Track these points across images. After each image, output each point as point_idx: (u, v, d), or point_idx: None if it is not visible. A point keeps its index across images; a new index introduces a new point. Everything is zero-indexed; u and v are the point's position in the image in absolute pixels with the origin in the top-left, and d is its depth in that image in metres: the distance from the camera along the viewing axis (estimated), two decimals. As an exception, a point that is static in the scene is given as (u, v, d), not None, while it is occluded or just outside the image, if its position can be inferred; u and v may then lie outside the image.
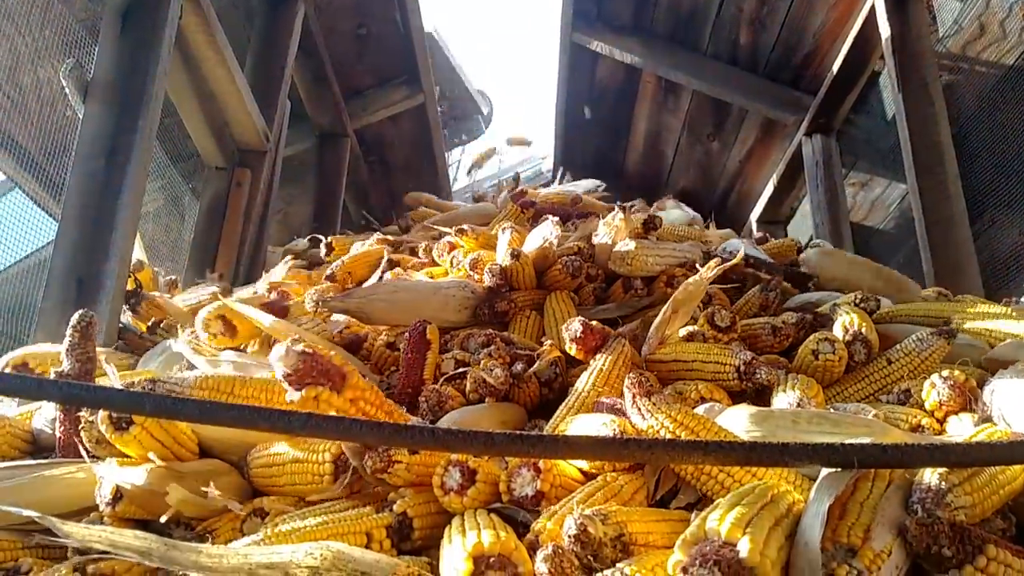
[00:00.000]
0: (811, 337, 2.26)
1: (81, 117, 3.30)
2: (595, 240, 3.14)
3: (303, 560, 1.19)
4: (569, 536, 1.35)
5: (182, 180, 5.26)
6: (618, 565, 1.28)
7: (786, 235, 7.71)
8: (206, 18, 4.06)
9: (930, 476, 1.32)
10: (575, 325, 2.23)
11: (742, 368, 2.00)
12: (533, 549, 1.41)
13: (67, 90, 3.35)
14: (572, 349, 2.24)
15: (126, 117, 3.26)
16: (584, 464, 1.66)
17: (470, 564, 1.28)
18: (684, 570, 1.12)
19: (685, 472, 1.57)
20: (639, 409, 1.65)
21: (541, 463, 1.56)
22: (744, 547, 1.10)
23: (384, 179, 8.03)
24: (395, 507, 1.57)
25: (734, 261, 2.49)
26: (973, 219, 4.65)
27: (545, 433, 1.75)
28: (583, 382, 2.08)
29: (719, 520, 1.17)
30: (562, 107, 8.15)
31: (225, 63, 4.30)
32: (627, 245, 2.94)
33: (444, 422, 2.02)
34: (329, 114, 6.87)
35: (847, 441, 1.38)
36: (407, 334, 2.37)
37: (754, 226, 7.90)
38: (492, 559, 1.31)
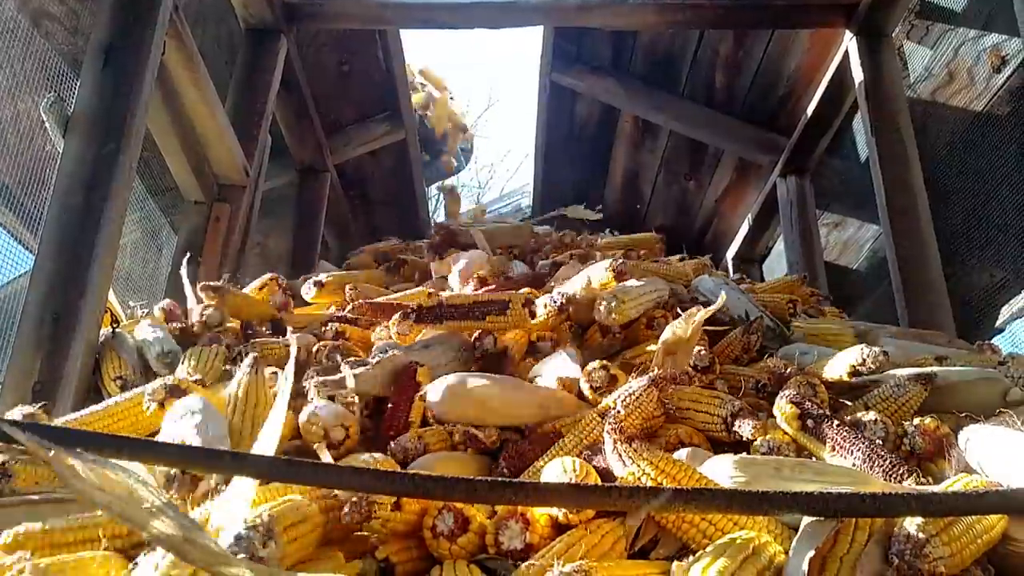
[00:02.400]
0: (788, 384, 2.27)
1: (60, 151, 3.27)
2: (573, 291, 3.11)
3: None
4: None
5: (160, 213, 5.24)
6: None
7: (761, 273, 7.82)
8: (189, 54, 4.08)
9: (908, 527, 1.33)
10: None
11: (729, 419, 2.00)
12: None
13: (47, 124, 3.33)
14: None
15: (107, 152, 3.23)
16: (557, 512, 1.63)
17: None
18: None
19: (666, 521, 1.57)
20: (619, 455, 1.65)
21: (529, 514, 1.55)
22: None
23: (364, 213, 8.04)
24: (377, 553, 1.56)
25: (717, 306, 2.48)
26: (945, 262, 4.73)
27: (526, 480, 1.74)
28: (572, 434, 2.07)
29: (702, 572, 1.17)
30: (542, 144, 8.23)
31: (206, 99, 4.31)
32: (612, 300, 2.86)
33: (414, 467, 1.99)
34: (310, 148, 6.87)
35: (827, 490, 1.39)
36: (396, 376, 2.36)
37: (730, 264, 7.99)
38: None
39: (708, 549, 1.29)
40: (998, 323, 5.24)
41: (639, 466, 1.61)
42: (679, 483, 1.55)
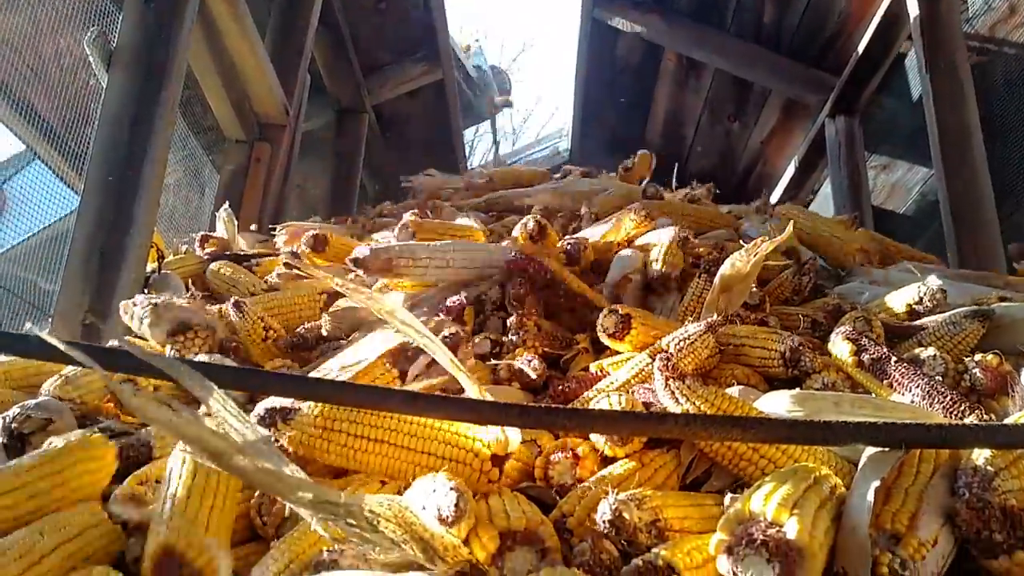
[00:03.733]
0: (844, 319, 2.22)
1: (104, 86, 3.28)
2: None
3: (374, 506, 1.18)
4: (604, 521, 1.32)
5: (203, 152, 5.25)
6: (653, 550, 1.25)
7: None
8: (229, -10, 4.04)
9: (976, 460, 1.30)
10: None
11: (788, 354, 1.95)
12: (560, 527, 1.40)
13: (91, 59, 3.33)
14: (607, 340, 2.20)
15: (149, 87, 3.24)
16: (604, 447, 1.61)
17: (496, 539, 1.28)
18: (729, 550, 1.09)
19: (719, 455, 1.54)
20: (672, 392, 1.60)
21: (580, 450, 1.53)
22: (792, 528, 1.08)
23: (401, 156, 8.00)
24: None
25: (784, 236, 2.37)
26: (1000, 201, 4.58)
27: (580, 407, 1.71)
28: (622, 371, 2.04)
29: (764, 500, 1.15)
30: (582, 84, 8.08)
31: (247, 35, 4.28)
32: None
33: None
34: (348, 89, 6.84)
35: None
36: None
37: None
38: (518, 534, 1.30)
39: (768, 478, 1.26)
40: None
41: (693, 403, 1.57)
42: (735, 416, 1.52)
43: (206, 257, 3.30)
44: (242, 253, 3.40)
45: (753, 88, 7.36)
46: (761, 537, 1.07)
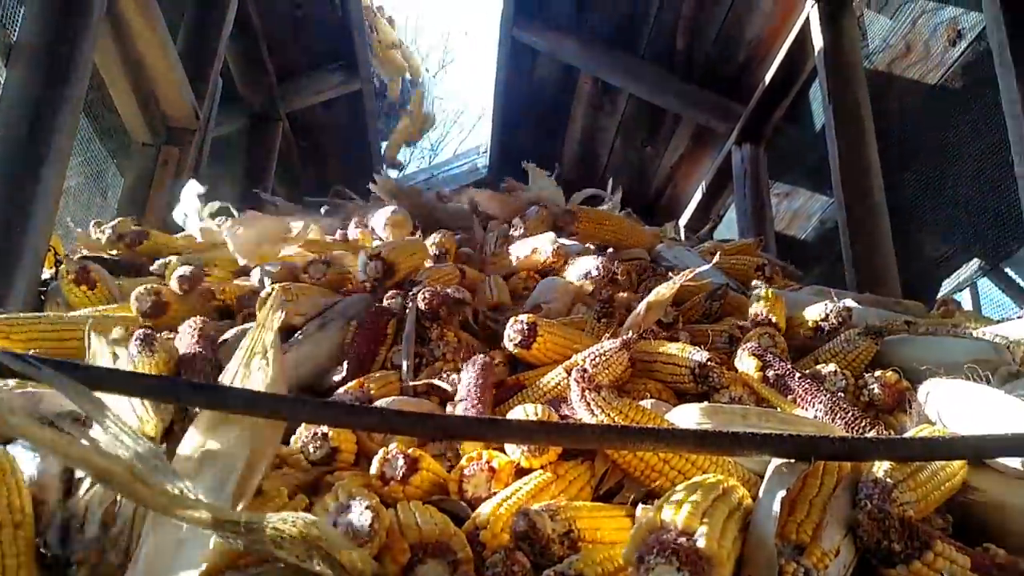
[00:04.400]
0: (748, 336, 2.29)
1: (1, 81, 3.11)
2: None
3: (277, 523, 1.13)
4: (518, 532, 1.32)
5: (107, 155, 5.05)
6: (566, 560, 1.26)
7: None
8: (140, -12, 3.91)
9: (876, 472, 1.35)
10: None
11: (697, 370, 2.00)
12: (474, 540, 1.39)
13: (-13, 51, 3.17)
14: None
15: (52, 85, 3.09)
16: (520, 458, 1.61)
17: (407, 552, 1.26)
18: (640, 559, 1.10)
19: (632, 467, 1.56)
20: (588, 403, 1.62)
21: (495, 463, 1.53)
22: (702, 537, 1.09)
23: (315, 165, 7.88)
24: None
25: (701, 270, 2.48)
26: (893, 233, 4.82)
27: (499, 417, 1.70)
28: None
29: (675, 509, 1.16)
30: (500, 102, 8.14)
31: (157, 34, 4.14)
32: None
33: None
34: (262, 95, 6.70)
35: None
36: (361, 323, 2.29)
37: (682, 231, 8.05)
38: (430, 546, 1.28)
39: (677, 488, 1.28)
40: (940, 295, 5.39)
41: (608, 415, 1.59)
42: (647, 428, 1.55)
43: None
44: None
45: (665, 114, 7.56)
46: (672, 546, 1.08)
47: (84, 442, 1.08)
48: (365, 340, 2.25)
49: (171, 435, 1.64)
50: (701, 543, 1.09)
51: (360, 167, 7.89)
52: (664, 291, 2.35)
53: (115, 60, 4.11)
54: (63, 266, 2.67)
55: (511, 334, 2.18)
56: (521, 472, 1.60)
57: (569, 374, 1.96)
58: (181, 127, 4.76)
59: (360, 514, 1.24)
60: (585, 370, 1.71)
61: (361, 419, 1.37)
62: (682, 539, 1.10)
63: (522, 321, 2.18)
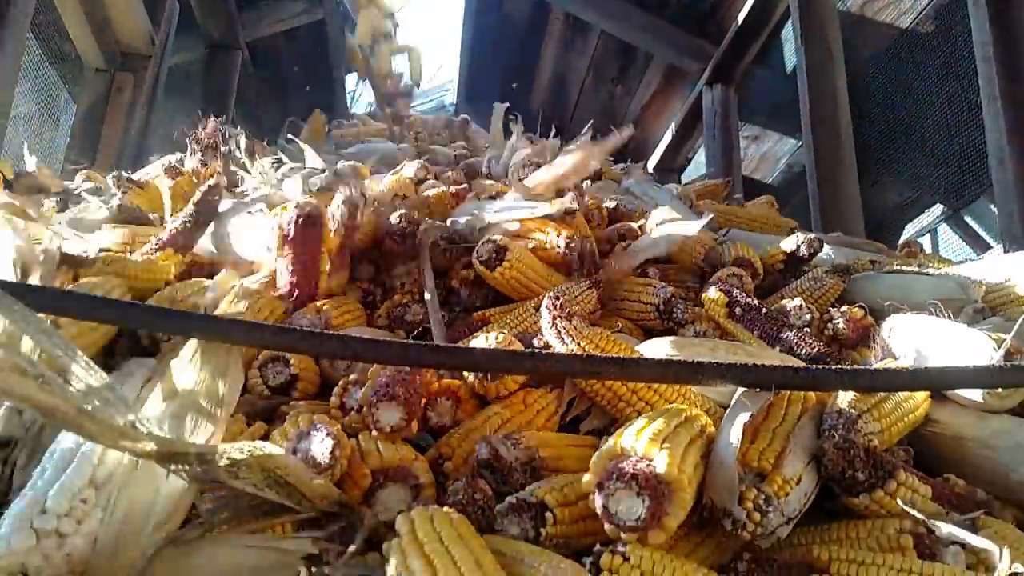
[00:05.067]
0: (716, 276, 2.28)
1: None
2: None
3: (234, 453, 1.10)
4: (480, 459, 1.31)
5: (59, 81, 4.85)
6: (528, 487, 1.25)
7: (679, 182, 7.89)
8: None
9: (841, 403, 1.35)
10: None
11: (661, 306, 1.99)
12: (438, 464, 1.38)
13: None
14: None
15: (-4, -2, 2.93)
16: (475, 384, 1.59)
17: (368, 477, 1.24)
18: (599, 486, 1.09)
19: (599, 396, 1.55)
20: (558, 331, 1.59)
21: (460, 392, 1.51)
22: (662, 461, 1.08)
23: (277, 97, 7.67)
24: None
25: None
26: (860, 174, 4.84)
27: (460, 345, 1.66)
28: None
29: (635, 436, 1.15)
30: (468, 40, 7.98)
31: (110, -48, 3.95)
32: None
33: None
34: (221, 23, 6.45)
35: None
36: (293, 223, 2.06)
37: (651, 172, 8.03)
38: (391, 471, 1.27)
39: (640, 417, 1.27)
40: (902, 239, 5.45)
41: (578, 343, 1.56)
42: (615, 358, 1.52)
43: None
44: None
45: (637, 53, 7.46)
46: (631, 471, 1.07)
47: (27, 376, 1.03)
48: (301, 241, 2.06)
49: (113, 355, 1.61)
50: (660, 467, 1.07)
51: (324, 99, 7.70)
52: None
53: (65, -23, 3.92)
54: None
55: (480, 252, 2.14)
56: (485, 402, 1.58)
57: (538, 311, 1.94)
58: (136, 53, 4.59)
59: (320, 442, 1.21)
60: (557, 297, 1.67)
61: (322, 344, 1.33)
62: (642, 464, 1.09)
63: (493, 241, 2.14)
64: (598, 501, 1.09)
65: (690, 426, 1.26)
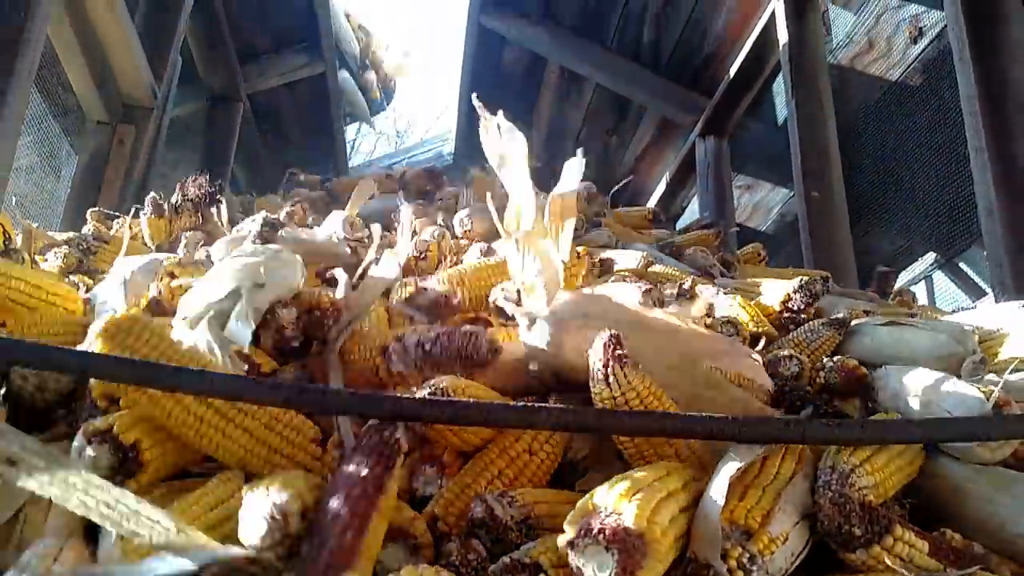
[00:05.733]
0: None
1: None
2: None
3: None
4: (475, 518, 1.31)
5: (61, 134, 4.92)
6: (523, 547, 1.25)
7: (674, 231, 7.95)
8: (96, -42, 3.80)
9: (833, 457, 1.36)
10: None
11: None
12: (432, 524, 1.37)
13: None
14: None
15: (3, 55, 3.00)
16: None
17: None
18: (571, 544, 1.08)
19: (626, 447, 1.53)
20: (612, 376, 1.47)
21: (445, 456, 1.51)
22: (630, 513, 1.07)
23: (278, 148, 7.76)
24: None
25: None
26: (852, 224, 4.90)
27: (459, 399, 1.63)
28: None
29: (607, 491, 1.15)
30: (466, 90, 8.09)
31: (115, 10, 4.04)
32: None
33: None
34: (222, 75, 6.57)
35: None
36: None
37: (645, 222, 8.10)
38: (389, 529, 1.26)
39: (620, 475, 1.27)
40: (896, 287, 5.48)
41: (623, 394, 1.47)
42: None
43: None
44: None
45: (631, 105, 7.59)
46: (599, 526, 1.07)
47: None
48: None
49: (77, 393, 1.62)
50: (628, 520, 1.07)
51: (324, 151, 7.80)
52: None
53: (70, 34, 4.00)
54: None
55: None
56: (467, 455, 1.56)
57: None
58: (138, 105, 4.65)
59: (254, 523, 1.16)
60: (618, 337, 1.51)
61: (302, 398, 1.35)
62: (610, 519, 1.08)
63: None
64: (572, 560, 1.09)
65: (672, 479, 1.25)
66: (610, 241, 3.74)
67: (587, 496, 1.18)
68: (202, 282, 1.73)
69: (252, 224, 2.71)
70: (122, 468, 1.33)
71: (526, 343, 1.71)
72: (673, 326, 1.69)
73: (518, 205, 1.81)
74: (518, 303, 1.81)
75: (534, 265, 1.71)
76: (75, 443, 1.35)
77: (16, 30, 3.09)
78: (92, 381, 1.45)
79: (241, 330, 1.54)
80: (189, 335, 1.51)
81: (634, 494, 1.13)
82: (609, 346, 1.48)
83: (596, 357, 1.50)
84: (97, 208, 3.58)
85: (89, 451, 1.31)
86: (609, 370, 1.47)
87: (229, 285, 1.62)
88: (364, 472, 1.20)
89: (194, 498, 1.29)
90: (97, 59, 4.24)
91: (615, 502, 1.10)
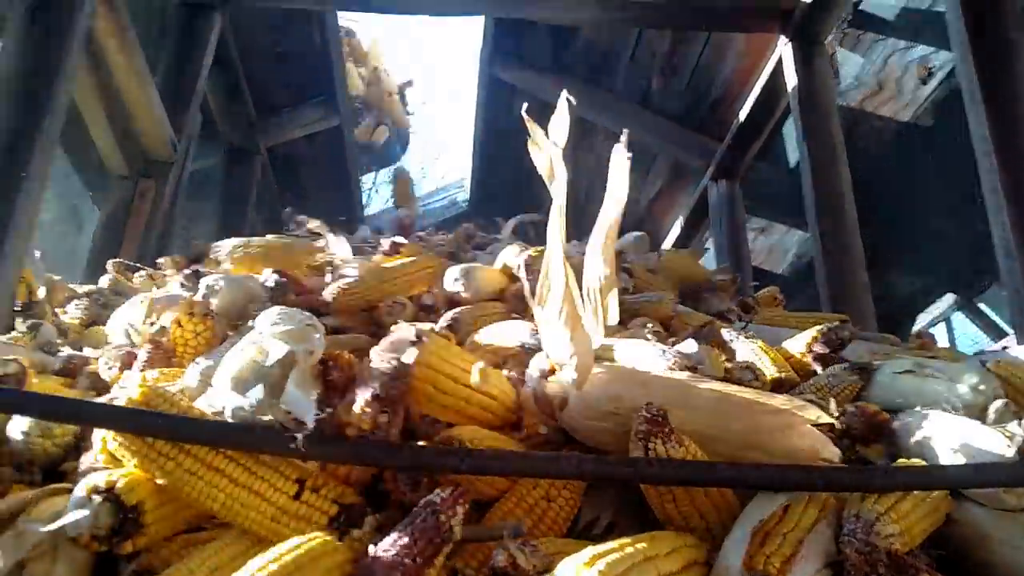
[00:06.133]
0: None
1: (-23, 113, 3.10)
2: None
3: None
4: (496, 567, 1.30)
5: (83, 188, 5.02)
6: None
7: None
8: (119, 21, 3.92)
9: (857, 506, 1.34)
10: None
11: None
12: (453, 574, 1.37)
13: (-35, 84, 3.15)
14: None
15: (30, 115, 3.08)
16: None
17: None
18: None
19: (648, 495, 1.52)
20: (647, 447, 1.42)
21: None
22: None
23: (295, 200, 7.86)
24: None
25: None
26: (867, 267, 4.88)
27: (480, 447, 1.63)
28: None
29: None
30: (479, 140, 8.21)
31: (136, 68, 4.15)
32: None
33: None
34: (241, 129, 6.70)
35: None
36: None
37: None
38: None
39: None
40: (915, 329, 5.44)
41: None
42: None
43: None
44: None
45: (642, 150, 7.65)
46: None
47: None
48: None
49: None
50: None
51: (341, 201, 7.90)
52: None
53: (93, 94, 4.10)
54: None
55: None
56: (480, 504, 1.56)
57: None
58: (159, 160, 4.74)
59: None
60: (664, 412, 1.46)
61: (325, 450, 1.35)
62: None
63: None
64: None
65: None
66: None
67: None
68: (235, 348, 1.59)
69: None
70: (121, 529, 1.33)
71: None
72: (716, 400, 1.59)
73: (547, 271, 1.71)
74: (550, 373, 1.78)
75: (567, 344, 1.64)
76: (75, 494, 1.36)
77: (43, 90, 3.18)
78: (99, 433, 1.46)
79: (302, 401, 1.38)
80: (230, 401, 1.45)
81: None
82: (654, 418, 1.43)
83: (638, 429, 1.44)
84: (118, 260, 3.62)
85: (87, 511, 1.31)
86: (649, 444, 1.41)
87: (279, 349, 1.45)
88: (407, 559, 1.16)
89: (197, 562, 1.30)
90: (118, 116, 4.34)
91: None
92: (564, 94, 1.68)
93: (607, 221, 1.87)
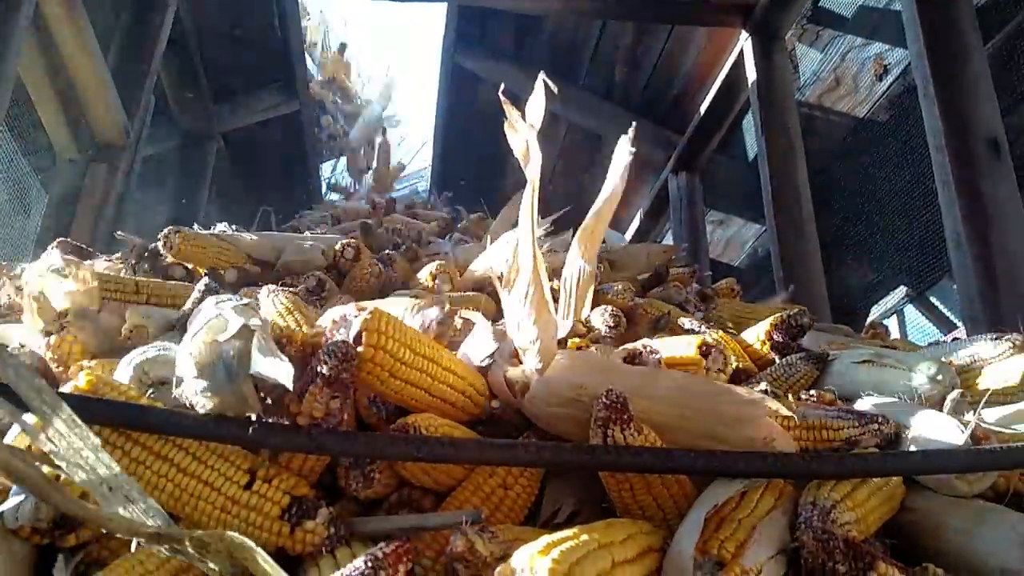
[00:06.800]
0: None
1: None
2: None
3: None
4: (453, 553, 1.28)
5: (31, 172, 4.86)
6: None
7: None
8: (69, 1, 3.79)
9: (814, 494, 1.35)
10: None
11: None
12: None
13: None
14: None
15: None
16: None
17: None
18: None
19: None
20: (606, 436, 1.42)
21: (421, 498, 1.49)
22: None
23: (252, 186, 7.74)
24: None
25: None
26: (823, 261, 4.95)
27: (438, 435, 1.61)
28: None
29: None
30: (441, 129, 8.15)
31: (87, 48, 4.03)
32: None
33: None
34: (196, 114, 6.56)
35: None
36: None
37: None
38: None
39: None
40: (868, 320, 5.53)
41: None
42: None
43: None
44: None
45: (604, 142, 7.66)
46: None
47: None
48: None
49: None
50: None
51: (298, 188, 7.79)
52: None
53: (41, 73, 3.98)
54: None
55: None
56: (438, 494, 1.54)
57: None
58: (111, 143, 4.62)
59: None
60: (624, 398, 1.44)
61: (276, 438, 1.32)
62: None
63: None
64: None
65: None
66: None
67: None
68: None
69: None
70: (64, 522, 1.29)
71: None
72: (678, 389, 1.57)
73: (516, 253, 1.68)
74: (516, 358, 1.75)
75: (531, 327, 1.61)
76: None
77: (-14, 69, 3.08)
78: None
79: (275, 364, 1.31)
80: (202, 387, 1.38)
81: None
82: (614, 404, 1.42)
83: (598, 416, 1.43)
84: (66, 239, 3.50)
85: (27, 500, 1.26)
86: (608, 431, 1.41)
87: (236, 321, 1.40)
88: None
89: (145, 552, 1.26)
90: (69, 98, 4.22)
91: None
92: (541, 76, 1.64)
93: (599, 214, 1.85)
